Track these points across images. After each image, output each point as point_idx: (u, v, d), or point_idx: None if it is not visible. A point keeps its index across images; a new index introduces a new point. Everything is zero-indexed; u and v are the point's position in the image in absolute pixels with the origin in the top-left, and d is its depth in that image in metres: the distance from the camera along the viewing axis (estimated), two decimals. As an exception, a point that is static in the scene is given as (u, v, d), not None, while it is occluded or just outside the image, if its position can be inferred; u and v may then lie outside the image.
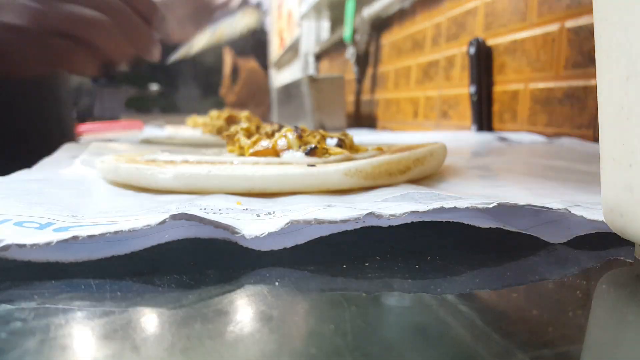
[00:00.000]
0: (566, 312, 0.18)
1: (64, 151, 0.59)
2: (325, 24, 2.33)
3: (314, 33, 2.50)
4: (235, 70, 2.64)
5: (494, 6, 0.91)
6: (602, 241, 0.25)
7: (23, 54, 0.42)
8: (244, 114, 0.79)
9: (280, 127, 0.44)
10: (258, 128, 0.45)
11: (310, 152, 0.38)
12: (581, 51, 0.68)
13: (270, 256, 0.23)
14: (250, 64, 2.62)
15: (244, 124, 0.44)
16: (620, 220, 0.21)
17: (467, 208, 0.24)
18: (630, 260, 0.23)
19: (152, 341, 0.15)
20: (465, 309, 0.18)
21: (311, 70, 2.47)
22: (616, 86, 0.20)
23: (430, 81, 1.18)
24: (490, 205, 0.24)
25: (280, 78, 3.64)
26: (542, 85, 0.77)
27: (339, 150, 0.40)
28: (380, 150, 0.42)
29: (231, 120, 0.78)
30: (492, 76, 0.91)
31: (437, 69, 1.15)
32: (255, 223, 0.25)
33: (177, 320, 0.17)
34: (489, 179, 0.39)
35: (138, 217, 0.25)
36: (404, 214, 0.24)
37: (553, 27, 0.74)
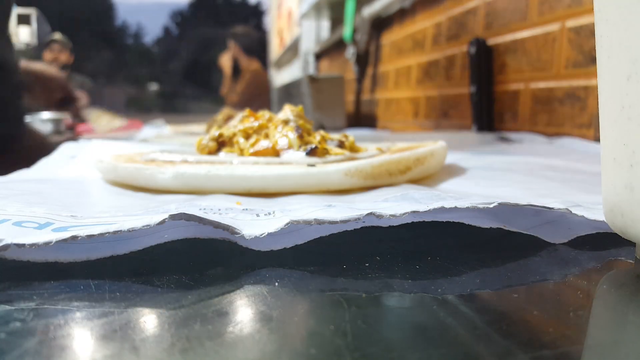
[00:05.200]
0: (567, 312, 0.18)
1: (63, 151, 0.59)
2: (325, 24, 2.33)
3: (314, 32, 2.50)
4: (236, 69, 2.64)
5: (495, 6, 0.91)
6: (603, 241, 0.25)
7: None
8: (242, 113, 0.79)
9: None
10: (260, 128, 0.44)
11: (311, 152, 0.38)
12: (582, 51, 0.68)
13: (270, 256, 0.23)
14: (254, 65, 2.62)
15: (240, 126, 0.44)
16: (620, 220, 0.21)
17: (467, 208, 0.24)
18: (631, 261, 0.23)
19: (152, 342, 0.15)
20: (465, 310, 0.18)
21: (311, 70, 2.47)
22: (617, 86, 0.20)
23: (431, 81, 1.18)
24: (491, 205, 0.24)
25: (280, 78, 3.63)
26: (542, 85, 0.77)
27: (339, 150, 0.40)
28: (380, 150, 0.42)
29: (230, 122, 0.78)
30: (492, 76, 0.91)
31: (437, 69, 1.15)
32: (255, 223, 0.24)
33: (176, 321, 0.17)
34: (489, 179, 0.39)
35: (137, 217, 0.25)
36: (404, 214, 0.24)
37: (554, 27, 0.74)
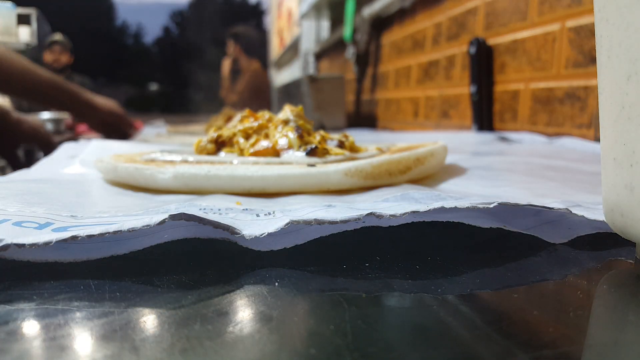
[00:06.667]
0: (567, 312, 0.18)
1: (63, 151, 0.59)
2: (325, 24, 2.33)
3: (313, 32, 2.50)
4: (237, 69, 2.64)
5: (495, 6, 0.91)
6: (603, 241, 0.25)
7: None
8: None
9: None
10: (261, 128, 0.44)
11: (311, 152, 0.38)
12: (582, 51, 0.68)
13: (270, 256, 0.23)
14: (254, 65, 2.63)
15: (240, 126, 0.44)
16: (621, 220, 0.21)
17: (467, 208, 0.24)
18: (631, 261, 0.23)
19: (152, 342, 0.15)
20: (466, 310, 0.18)
21: (311, 70, 2.47)
22: (617, 86, 0.20)
23: (431, 81, 1.18)
24: (491, 205, 0.24)
25: (280, 78, 3.63)
26: (542, 84, 0.77)
27: (339, 150, 0.40)
28: (380, 150, 0.42)
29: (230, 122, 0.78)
30: (492, 76, 0.91)
31: (437, 69, 1.15)
32: (255, 223, 0.24)
33: (176, 321, 0.17)
34: (489, 179, 0.39)
35: (137, 217, 0.25)
36: (404, 214, 0.24)
37: (554, 27, 0.74)
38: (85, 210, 0.28)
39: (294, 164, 0.36)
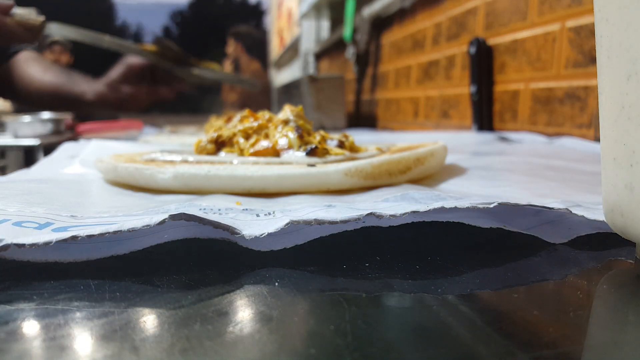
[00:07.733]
0: (567, 312, 0.18)
1: (63, 151, 0.59)
2: (325, 24, 2.33)
3: (314, 32, 2.50)
4: (237, 68, 2.64)
5: (495, 6, 0.91)
6: (603, 241, 0.25)
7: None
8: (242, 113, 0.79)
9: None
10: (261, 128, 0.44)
11: (311, 152, 0.38)
12: (582, 51, 0.68)
13: (270, 256, 0.23)
14: (254, 65, 2.63)
15: (240, 126, 0.44)
16: (621, 220, 0.21)
17: (467, 208, 0.24)
18: (631, 261, 0.23)
19: (152, 342, 0.15)
20: (466, 310, 0.18)
21: (311, 70, 2.46)
22: (617, 86, 0.20)
23: (431, 81, 1.18)
24: (491, 205, 0.24)
25: (280, 78, 3.63)
26: (542, 84, 0.77)
27: (339, 150, 0.40)
28: (380, 150, 0.42)
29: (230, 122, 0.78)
30: (492, 76, 0.91)
31: (437, 69, 1.15)
32: (255, 223, 0.24)
33: (176, 321, 0.17)
34: (489, 179, 0.39)
35: (137, 217, 0.25)
36: (404, 214, 0.24)
37: (554, 27, 0.74)
38: (85, 210, 0.28)
39: (294, 164, 0.36)
